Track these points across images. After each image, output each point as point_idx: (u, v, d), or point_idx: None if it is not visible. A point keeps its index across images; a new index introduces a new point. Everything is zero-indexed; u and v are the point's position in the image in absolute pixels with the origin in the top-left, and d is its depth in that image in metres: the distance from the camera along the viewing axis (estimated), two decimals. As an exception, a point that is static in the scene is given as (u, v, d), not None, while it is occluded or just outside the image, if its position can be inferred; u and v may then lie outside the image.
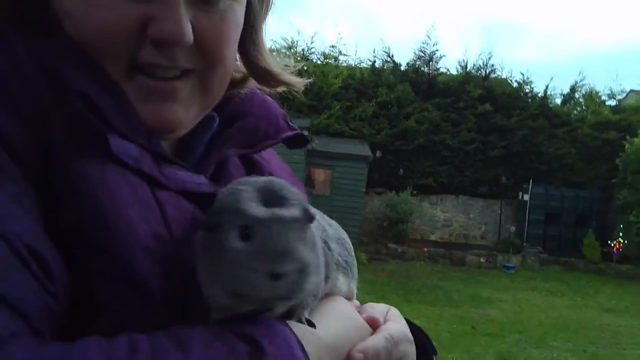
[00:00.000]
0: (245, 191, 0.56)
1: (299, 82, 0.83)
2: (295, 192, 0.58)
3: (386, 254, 14.42)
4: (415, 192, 16.00)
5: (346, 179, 14.67)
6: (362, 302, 0.77)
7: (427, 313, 8.62)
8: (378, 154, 16.04)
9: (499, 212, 16.61)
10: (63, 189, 0.53)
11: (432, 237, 16.77)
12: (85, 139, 0.55)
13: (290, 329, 0.56)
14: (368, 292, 9.05)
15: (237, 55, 0.75)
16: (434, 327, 7.70)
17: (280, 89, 0.84)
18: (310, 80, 0.89)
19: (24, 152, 0.53)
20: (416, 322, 0.78)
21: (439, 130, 17.02)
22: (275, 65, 0.79)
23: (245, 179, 0.60)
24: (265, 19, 0.77)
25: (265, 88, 0.82)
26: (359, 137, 16.39)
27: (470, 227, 17.08)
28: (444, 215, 17.03)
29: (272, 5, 0.77)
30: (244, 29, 0.71)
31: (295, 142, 0.80)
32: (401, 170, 16.33)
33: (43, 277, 0.49)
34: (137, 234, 0.54)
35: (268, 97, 0.82)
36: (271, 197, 0.56)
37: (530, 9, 55.39)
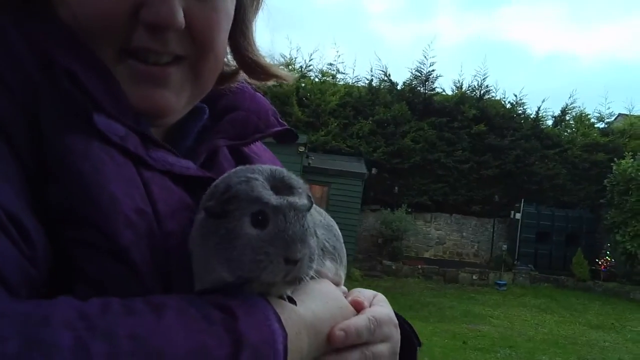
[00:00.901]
0: (257, 179, 0.56)
1: (288, 76, 0.83)
2: (298, 180, 0.60)
3: (380, 270, 14.55)
4: (410, 209, 16.12)
5: (342, 196, 14.80)
6: None
7: (420, 329, 8.73)
8: (374, 171, 16.14)
9: (492, 230, 16.82)
10: (51, 163, 0.54)
11: (426, 255, 16.89)
12: (72, 116, 0.56)
13: (269, 303, 0.56)
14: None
15: (228, 49, 0.77)
16: (427, 342, 7.85)
17: (271, 82, 0.84)
18: (297, 75, 1.00)
19: (11, 127, 0.54)
20: None
21: (434, 149, 17.18)
22: (264, 58, 0.80)
23: (251, 167, 0.60)
24: (255, 15, 0.78)
25: (255, 82, 0.83)
26: (356, 154, 16.53)
27: (464, 245, 17.23)
28: (438, 233, 17.17)
29: (263, 3, 0.78)
30: (234, 22, 0.72)
31: (285, 137, 0.81)
32: (396, 188, 16.43)
33: (21, 242, 0.49)
34: (120, 207, 0.55)
35: (258, 93, 0.83)
36: (280, 186, 0.57)
37: (525, 32, 56.13)
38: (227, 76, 0.80)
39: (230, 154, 0.79)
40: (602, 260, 15.01)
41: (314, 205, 0.64)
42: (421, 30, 51.75)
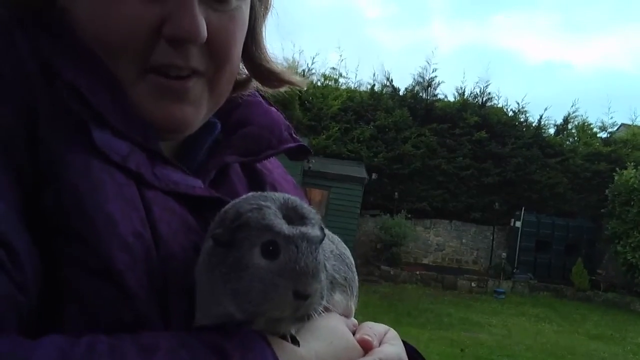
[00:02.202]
0: (269, 208, 0.55)
1: (302, 81, 0.82)
2: (311, 210, 0.58)
3: (379, 276, 14.50)
4: (409, 215, 16.10)
5: (342, 200, 14.79)
6: None
7: (417, 335, 8.74)
8: (374, 176, 16.14)
9: (491, 238, 16.78)
10: (49, 177, 0.53)
11: (425, 261, 16.86)
12: (74, 131, 0.55)
13: (269, 344, 0.53)
14: (360, 313, 8.97)
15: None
16: (424, 349, 7.74)
17: (284, 89, 0.83)
18: (309, 79, 0.97)
19: (10, 138, 0.53)
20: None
21: (435, 155, 17.17)
22: (277, 65, 0.79)
23: (263, 194, 0.58)
24: (265, 20, 0.77)
25: (268, 89, 0.83)
26: (356, 159, 16.52)
27: (463, 252, 17.19)
28: (437, 240, 17.14)
29: (271, 7, 0.78)
30: (247, 30, 0.72)
31: (297, 153, 0.80)
32: (396, 193, 16.40)
33: (11, 267, 0.48)
34: (117, 229, 0.54)
35: (273, 108, 0.82)
36: (293, 215, 0.55)
37: (520, 40, 56.38)
38: (239, 84, 0.79)
39: (242, 170, 0.77)
40: (602, 271, 14.95)
41: (326, 231, 0.62)
42: (416, 37, 51.99)
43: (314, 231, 0.55)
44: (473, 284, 14.72)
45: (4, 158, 0.52)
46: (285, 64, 0.81)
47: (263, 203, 0.55)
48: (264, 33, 0.77)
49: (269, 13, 0.77)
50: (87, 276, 0.52)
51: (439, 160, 17.14)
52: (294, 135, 0.79)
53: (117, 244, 0.53)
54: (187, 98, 0.65)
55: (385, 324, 0.72)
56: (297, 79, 0.82)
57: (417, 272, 14.85)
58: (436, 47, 33.73)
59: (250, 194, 0.59)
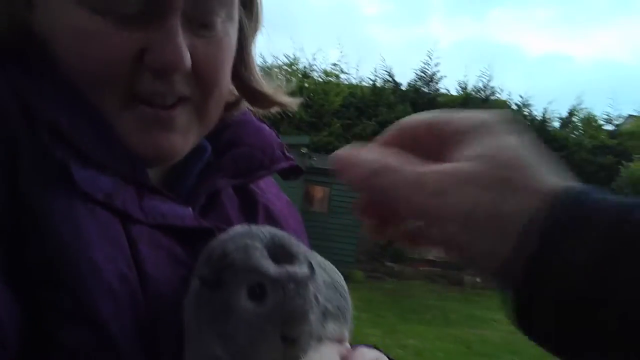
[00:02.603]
0: (255, 247, 0.52)
1: (293, 102, 0.81)
2: (299, 245, 0.56)
3: (383, 272, 14.45)
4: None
5: (344, 197, 14.70)
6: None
7: (422, 332, 8.64)
8: (377, 172, 16.04)
9: (496, 233, 16.59)
10: (32, 227, 0.51)
11: (430, 257, 16.78)
12: (53, 173, 0.53)
13: None
14: (364, 310, 9.07)
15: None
16: (430, 346, 7.71)
17: (274, 109, 0.82)
18: (302, 100, 0.84)
19: None
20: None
21: (438, 150, 17.06)
22: (267, 86, 0.77)
23: (250, 230, 0.56)
24: (254, 40, 0.75)
25: (258, 109, 0.81)
26: (359, 155, 16.42)
27: (468, 247, 17.04)
28: (442, 235, 17.01)
29: (261, 26, 0.75)
30: (236, 52, 0.70)
31: (290, 173, 0.78)
32: (400, 189, 16.31)
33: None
34: (101, 274, 0.52)
35: (264, 125, 0.80)
36: (280, 253, 0.53)
37: (527, 34, 56.22)
38: (229, 105, 0.77)
39: (234, 191, 0.75)
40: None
41: (317, 257, 0.62)
42: (414, 33, 52.13)
43: (302, 270, 0.52)
44: (479, 280, 14.60)
45: None
46: (285, 60, 0.82)
47: (249, 242, 0.53)
48: (253, 53, 0.76)
49: (259, 31, 0.76)
50: (72, 326, 0.51)
51: (443, 155, 16.98)
52: (286, 153, 0.78)
53: (102, 292, 0.52)
54: (174, 126, 0.64)
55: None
56: (287, 99, 0.80)
57: (422, 268, 14.75)
58: (437, 41, 33.81)
59: (236, 229, 0.57)
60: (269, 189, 0.82)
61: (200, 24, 0.61)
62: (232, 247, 0.53)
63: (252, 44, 0.75)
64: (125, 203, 0.57)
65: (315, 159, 14.56)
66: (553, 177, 0.40)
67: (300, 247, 0.55)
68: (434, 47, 28.55)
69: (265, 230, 0.56)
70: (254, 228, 0.57)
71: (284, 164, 0.76)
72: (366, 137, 15.82)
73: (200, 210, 0.67)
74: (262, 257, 0.52)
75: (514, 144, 0.41)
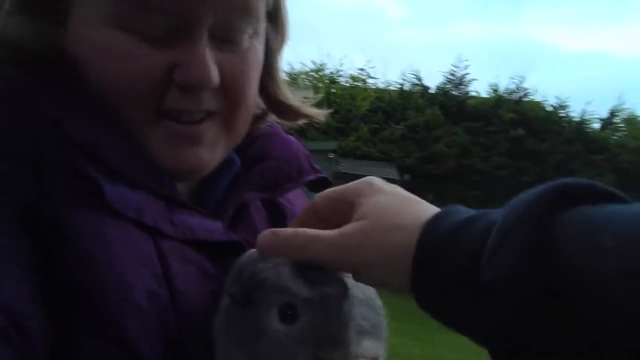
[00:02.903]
0: (285, 264, 0.51)
1: (320, 114, 0.81)
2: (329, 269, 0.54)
3: (414, 280, 14.14)
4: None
5: (373, 203, 14.53)
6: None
7: (457, 342, 8.26)
8: (406, 177, 15.90)
9: (532, 239, 16.16)
10: (62, 245, 0.52)
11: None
12: (84, 191, 0.54)
13: None
14: (395, 318, 8.69)
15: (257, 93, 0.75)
16: (456, 356, 7.37)
17: (301, 121, 0.82)
18: (331, 110, 0.86)
19: (23, 210, 0.51)
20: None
21: (469, 154, 16.82)
22: (294, 98, 0.78)
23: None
24: (281, 53, 0.76)
25: (285, 122, 0.81)
26: (387, 160, 16.33)
27: (502, 255, 16.66)
28: (474, 242, 16.70)
29: (288, 39, 0.76)
30: (262, 65, 0.70)
31: (318, 185, 0.76)
32: (431, 194, 16.11)
33: (20, 344, 0.46)
34: (130, 292, 0.52)
35: (292, 138, 0.81)
36: (312, 272, 0.51)
37: (561, 32, 54.97)
38: (257, 118, 0.76)
39: (263, 204, 0.76)
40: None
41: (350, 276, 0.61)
42: (442, 35, 51.50)
43: (334, 289, 0.51)
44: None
45: (18, 231, 0.51)
46: (307, 92, 0.81)
47: (279, 260, 0.52)
48: (280, 66, 0.76)
49: (285, 43, 0.76)
50: (101, 344, 0.51)
51: (474, 159, 16.80)
52: (314, 165, 0.77)
53: (130, 309, 0.52)
54: (202, 141, 0.64)
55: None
56: (314, 111, 0.80)
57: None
58: (466, 42, 33.45)
59: (254, 252, 0.56)
60: (297, 200, 0.82)
61: (227, 39, 0.62)
62: (262, 266, 0.52)
63: (279, 57, 0.76)
64: (155, 219, 0.57)
65: (343, 164, 14.50)
66: (426, 210, 0.51)
67: (334, 272, 0.53)
68: (462, 49, 28.14)
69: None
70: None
71: (311, 177, 0.76)
72: (395, 142, 15.62)
73: (229, 223, 0.67)
74: (292, 276, 0.51)
75: (390, 196, 0.54)
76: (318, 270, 0.52)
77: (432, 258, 0.46)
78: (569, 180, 0.41)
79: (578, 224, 0.39)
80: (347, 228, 0.52)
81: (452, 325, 0.46)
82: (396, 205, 0.52)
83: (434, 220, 0.48)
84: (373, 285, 0.55)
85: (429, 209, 0.52)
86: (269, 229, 0.56)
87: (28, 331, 0.47)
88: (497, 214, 0.44)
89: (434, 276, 0.45)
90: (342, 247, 0.51)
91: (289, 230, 0.55)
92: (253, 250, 0.56)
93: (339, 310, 0.50)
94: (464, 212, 0.48)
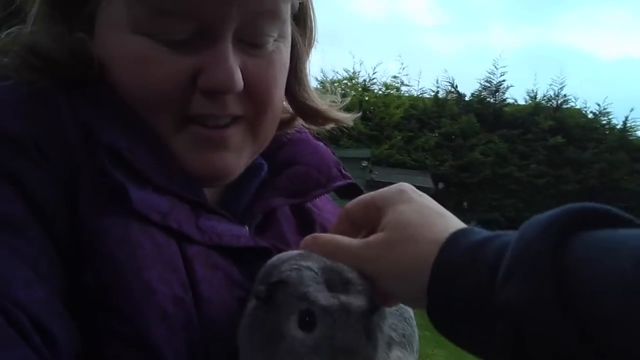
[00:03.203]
0: (309, 269, 0.51)
1: (348, 118, 0.81)
2: (359, 276, 0.52)
3: (448, 291, 13.91)
4: (479, 226, 15.36)
5: (407, 211, 14.38)
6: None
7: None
8: (440, 185, 15.69)
9: (572, 250, 15.66)
10: (89, 251, 0.52)
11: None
12: (112, 198, 0.54)
13: None
14: (428, 328, 8.55)
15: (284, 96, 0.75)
16: None
17: (329, 126, 0.82)
18: (360, 114, 0.86)
19: (52, 217, 0.52)
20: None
21: (506, 162, 16.45)
22: (321, 103, 0.77)
23: (308, 254, 0.55)
24: (308, 56, 0.76)
25: (313, 126, 0.81)
26: (421, 168, 16.14)
27: (540, 266, 16.21)
28: (511, 252, 16.31)
29: (315, 42, 0.76)
30: (289, 69, 0.70)
31: (348, 191, 0.76)
32: (465, 203, 15.86)
33: (46, 353, 0.46)
34: (155, 297, 0.52)
35: (321, 144, 0.81)
36: (336, 280, 0.51)
37: (603, 35, 53.30)
38: (283, 123, 0.77)
39: (291, 210, 0.75)
40: None
41: None
42: (475, 42, 50.73)
43: (356, 301, 0.50)
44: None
45: (47, 238, 0.51)
46: (337, 96, 0.79)
47: (303, 264, 0.52)
48: (307, 70, 0.76)
49: (313, 47, 0.76)
50: (125, 350, 0.51)
51: (511, 167, 16.41)
52: (343, 171, 0.77)
53: (155, 315, 0.52)
54: (227, 146, 0.64)
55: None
56: (343, 115, 0.80)
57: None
58: (501, 49, 32.87)
59: (294, 253, 0.57)
60: (326, 206, 0.82)
61: (252, 43, 0.62)
62: (287, 269, 0.52)
63: (306, 61, 0.76)
64: (180, 223, 0.57)
65: (376, 172, 14.42)
66: (448, 225, 0.52)
67: (359, 279, 0.52)
68: (498, 56, 27.67)
69: (321, 260, 0.54)
70: (303, 255, 0.55)
71: (340, 182, 0.75)
72: (429, 150, 15.43)
73: (256, 229, 0.67)
74: (314, 283, 0.50)
75: (414, 207, 0.55)
76: (342, 279, 0.51)
77: (446, 284, 0.46)
78: (584, 204, 0.41)
79: (593, 247, 0.38)
80: (370, 239, 0.54)
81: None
82: (418, 217, 0.53)
83: (450, 242, 0.48)
84: (391, 296, 0.55)
85: (450, 223, 0.52)
86: (312, 234, 0.58)
87: (52, 335, 0.47)
88: (511, 236, 0.45)
89: (448, 303, 0.46)
90: (363, 258, 0.53)
91: (326, 236, 0.57)
92: (281, 254, 0.56)
93: (358, 321, 0.49)
94: (479, 233, 0.48)
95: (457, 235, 0.49)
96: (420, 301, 0.49)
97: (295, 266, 0.52)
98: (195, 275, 0.56)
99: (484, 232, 0.49)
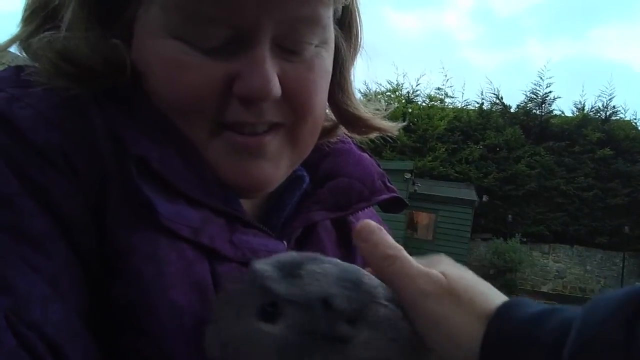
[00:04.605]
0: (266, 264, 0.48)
1: (392, 127, 0.77)
2: (377, 286, 0.48)
3: (492, 303, 13.75)
4: (524, 239, 15.14)
5: (450, 224, 14.32)
6: None
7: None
8: (485, 198, 15.48)
9: (621, 265, 15.19)
10: (117, 268, 0.51)
11: (544, 289, 15.67)
12: (142, 212, 0.53)
13: None
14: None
15: (326, 104, 0.71)
16: None
17: (373, 135, 0.78)
18: (405, 123, 0.85)
19: (78, 224, 0.51)
20: None
21: (552, 175, 16.18)
22: (365, 110, 0.74)
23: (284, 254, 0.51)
24: (353, 63, 0.73)
25: (356, 135, 0.78)
26: (465, 180, 16.01)
27: (587, 280, 15.75)
28: (557, 266, 15.90)
29: (361, 49, 0.73)
30: (332, 76, 0.68)
31: (392, 204, 0.74)
32: (510, 216, 15.61)
33: None
34: (182, 319, 0.50)
35: (365, 155, 0.77)
36: (293, 270, 0.47)
37: (627, 51, 50.97)
38: (326, 131, 0.74)
39: (332, 223, 0.72)
40: None
41: None
42: (512, 56, 49.69)
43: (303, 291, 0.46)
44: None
45: (71, 253, 0.50)
46: (381, 104, 0.76)
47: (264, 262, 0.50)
48: (351, 76, 0.73)
49: (359, 53, 0.73)
50: None
51: (557, 180, 16.12)
52: (388, 184, 0.74)
53: (181, 337, 0.50)
54: (265, 154, 0.61)
55: None
56: (387, 124, 0.76)
57: (536, 301, 13.81)
58: (545, 61, 31.56)
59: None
60: (369, 219, 0.81)
61: (291, 50, 0.60)
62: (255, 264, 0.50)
63: (351, 67, 0.73)
64: (213, 239, 0.55)
65: (419, 184, 14.31)
66: (494, 297, 0.48)
67: (373, 286, 0.48)
68: (543, 67, 27.03)
69: (292, 256, 0.50)
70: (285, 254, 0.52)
71: (384, 196, 0.72)
72: (473, 162, 15.16)
73: (296, 244, 0.66)
74: (274, 270, 0.47)
75: (465, 271, 0.51)
76: (359, 287, 0.47)
77: (500, 357, 0.42)
78: None
79: None
80: (427, 270, 0.49)
81: None
82: (472, 280, 0.49)
83: (501, 312, 0.45)
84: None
85: (496, 294, 0.49)
86: (376, 224, 0.55)
87: (67, 357, 0.46)
88: (570, 311, 0.42)
89: None
90: (410, 280, 0.48)
91: (385, 234, 0.53)
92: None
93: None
94: (530, 305, 0.45)
95: (510, 305, 0.46)
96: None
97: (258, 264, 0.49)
98: None
99: (534, 305, 0.45)
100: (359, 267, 0.51)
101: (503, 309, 0.45)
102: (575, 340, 0.38)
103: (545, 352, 0.40)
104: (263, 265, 0.48)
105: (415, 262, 0.50)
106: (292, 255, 0.51)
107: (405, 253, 0.51)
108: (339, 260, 0.51)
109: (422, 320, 0.47)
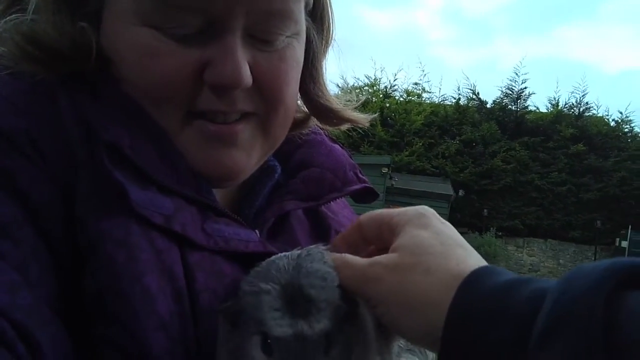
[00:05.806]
0: (269, 293, 0.48)
1: (363, 118, 0.77)
2: (326, 286, 0.49)
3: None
4: (499, 233, 15.34)
5: (427, 218, 14.39)
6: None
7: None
8: (461, 193, 15.65)
9: (593, 258, 15.48)
10: (87, 255, 0.50)
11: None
12: (111, 196, 0.52)
13: None
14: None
15: (298, 94, 0.71)
16: None
17: (344, 126, 0.79)
18: (377, 114, 0.84)
19: (46, 210, 0.50)
20: None
21: (527, 170, 16.39)
22: (336, 102, 0.74)
23: (271, 270, 0.50)
24: (325, 55, 0.73)
25: (328, 127, 0.79)
26: (441, 175, 16.11)
27: (560, 273, 15.91)
28: (531, 260, 16.13)
29: (332, 41, 0.73)
30: (303, 67, 0.68)
31: (364, 195, 0.74)
32: (485, 210, 15.77)
33: (29, 359, 0.44)
34: (154, 305, 0.50)
35: (337, 146, 0.78)
36: (298, 299, 0.47)
37: (605, 49, 52.39)
38: (298, 122, 0.75)
39: (305, 214, 0.73)
40: None
41: None
42: (481, 54, 50.71)
43: (313, 327, 0.46)
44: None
45: (40, 240, 0.49)
46: (352, 95, 0.77)
47: (264, 286, 0.48)
48: (323, 68, 0.73)
49: (330, 46, 0.73)
50: (121, 358, 0.49)
51: (532, 175, 16.33)
52: (359, 175, 0.74)
53: (154, 324, 0.49)
54: (236, 143, 0.61)
55: None
56: (358, 116, 0.76)
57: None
58: (524, 57, 32.32)
59: (263, 265, 0.52)
60: (342, 211, 0.79)
61: (263, 39, 0.60)
62: (247, 290, 0.50)
63: (322, 59, 0.73)
64: (185, 227, 0.54)
65: (396, 179, 14.44)
66: (465, 259, 0.47)
67: (325, 293, 0.48)
68: (517, 64, 27.49)
69: (292, 263, 0.50)
70: (281, 260, 0.51)
71: (356, 186, 0.73)
72: (449, 157, 15.38)
73: (268, 233, 0.66)
74: (270, 309, 0.47)
75: (432, 233, 0.50)
76: (305, 300, 0.47)
77: (465, 332, 0.40)
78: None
79: None
80: (378, 259, 0.49)
81: None
82: (437, 244, 0.48)
83: (471, 281, 0.43)
84: (392, 330, 0.50)
85: (471, 257, 0.48)
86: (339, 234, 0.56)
87: (37, 343, 0.45)
88: (544, 283, 0.40)
89: (465, 356, 0.40)
90: (366, 279, 0.48)
91: (335, 255, 0.53)
92: (258, 267, 0.52)
93: (316, 346, 0.46)
94: (502, 273, 0.43)
95: (479, 273, 0.43)
96: (427, 342, 0.45)
97: (256, 289, 0.49)
98: (195, 285, 0.53)
99: (509, 274, 0.43)
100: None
101: (473, 276, 0.44)
102: (549, 312, 0.36)
103: (514, 325, 0.38)
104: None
105: (359, 259, 0.51)
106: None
107: (349, 256, 0.52)
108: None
109: (390, 308, 0.47)
